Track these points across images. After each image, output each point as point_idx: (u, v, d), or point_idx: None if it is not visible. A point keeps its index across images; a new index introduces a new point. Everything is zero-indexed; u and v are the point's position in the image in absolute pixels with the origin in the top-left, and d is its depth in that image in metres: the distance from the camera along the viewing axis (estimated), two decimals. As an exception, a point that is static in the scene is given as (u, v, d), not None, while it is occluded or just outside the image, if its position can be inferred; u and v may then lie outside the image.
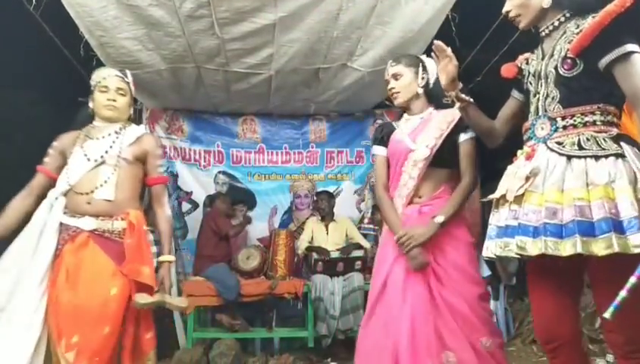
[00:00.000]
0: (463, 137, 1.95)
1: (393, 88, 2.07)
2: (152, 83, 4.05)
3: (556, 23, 1.47)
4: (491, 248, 1.49)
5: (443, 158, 1.94)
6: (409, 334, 1.75)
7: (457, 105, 1.76)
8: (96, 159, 2.02)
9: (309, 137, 5.18)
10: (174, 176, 4.88)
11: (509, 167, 1.54)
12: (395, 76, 2.06)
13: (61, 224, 1.95)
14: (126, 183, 2.05)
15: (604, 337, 1.39)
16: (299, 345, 4.19)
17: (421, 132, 2.00)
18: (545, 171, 1.38)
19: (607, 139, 1.35)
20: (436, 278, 1.85)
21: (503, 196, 1.47)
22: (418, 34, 3.45)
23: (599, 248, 1.24)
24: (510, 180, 1.46)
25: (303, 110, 4.96)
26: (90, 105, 2.14)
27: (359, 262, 4.13)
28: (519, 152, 1.54)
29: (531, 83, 1.54)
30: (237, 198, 4.82)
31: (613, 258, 1.22)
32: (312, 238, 4.46)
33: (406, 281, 1.86)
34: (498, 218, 1.49)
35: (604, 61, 1.34)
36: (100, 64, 3.61)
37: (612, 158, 1.31)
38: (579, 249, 1.25)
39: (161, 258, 2.11)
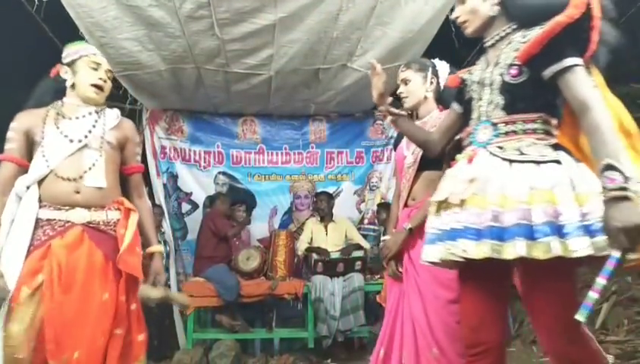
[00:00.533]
0: None
1: (401, 92, 2.14)
2: (152, 84, 4.05)
3: (502, 34, 1.50)
4: (433, 252, 1.48)
5: (433, 160, 1.96)
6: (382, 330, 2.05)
7: (389, 118, 1.83)
8: (80, 140, 1.77)
9: (309, 138, 5.18)
10: (174, 176, 4.89)
11: (449, 171, 1.55)
12: (404, 81, 2.12)
13: (39, 219, 1.68)
14: (110, 168, 1.83)
15: (539, 339, 1.40)
16: (299, 346, 4.19)
17: None
18: (487, 175, 1.39)
19: (546, 147, 1.38)
20: (407, 284, 1.94)
21: (446, 199, 1.47)
22: (418, 35, 3.46)
23: (540, 251, 1.24)
24: (452, 183, 1.47)
25: (303, 110, 4.96)
26: (66, 77, 1.86)
27: (359, 263, 4.13)
28: (459, 156, 1.55)
29: (474, 91, 1.56)
30: (237, 198, 4.82)
31: (552, 262, 1.23)
32: (312, 239, 4.47)
33: (391, 287, 2.07)
34: (440, 222, 1.48)
35: (548, 72, 1.37)
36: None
37: (552, 164, 1.33)
38: (521, 253, 1.25)
39: (151, 249, 1.92)
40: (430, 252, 1.49)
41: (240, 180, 5.08)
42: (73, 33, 3.24)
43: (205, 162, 5.02)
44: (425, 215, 1.87)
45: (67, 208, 1.72)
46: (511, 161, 1.37)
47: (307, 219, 4.87)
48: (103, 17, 3.11)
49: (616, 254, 1.17)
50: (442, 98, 2.10)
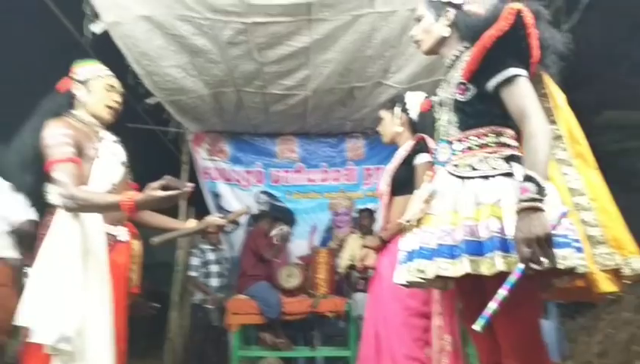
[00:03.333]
0: (417, 161, 2.17)
1: (378, 130, 2.44)
2: (194, 108, 4.23)
3: (457, 54, 1.52)
4: (400, 274, 1.49)
5: (403, 185, 2.10)
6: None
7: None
8: (123, 162, 1.90)
9: (346, 155, 5.21)
10: (217, 196, 5.03)
11: (416, 192, 1.58)
12: (379, 120, 2.42)
13: None
14: None
15: (503, 361, 1.35)
16: (342, 364, 4.16)
17: (388, 167, 2.31)
18: (443, 194, 1.40)
19: (497, 159, 1.36)
20: (377, 296, 2.11)
21: (409, 221, 1.50)
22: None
23: (485, 267, 1.23)
24: (415, 204, 1.50)
25: (340, 128, 5.01)
26: (79, 94, 1.87)
27: (400, 279, 4.08)
28: (425, 176, 1.59)
29: (437, 112, 1.59)
30: (277, 217, 4.88)
31: (503, 277, 1.19)
32: (353, 256, 4.44)
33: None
34: (406, 243, 1.50)
35: (491, 85, 1.38)
36: (147, 92, 3.83)
37: (500, 177, 1.32)
38: (467, 269, 1.24)
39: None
40: (398, 274, 1.52)
41: (280, 199, 5.16)
42: (121, 63, 3.45)
43: (245, 181, 5.14)
44: (395, 230, 2.08)
45: (115, 223, 1.84)
46: (463, 177, 1.37)
47: (347, 236, 4.86)
48: (149, 46, 3.29)
49: (521, 265, 1.15)
50: (420, 125, 2.27)
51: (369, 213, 4.61)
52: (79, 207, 1.63)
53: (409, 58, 3.59)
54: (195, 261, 4.32)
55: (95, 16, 3.02)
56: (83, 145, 1.78)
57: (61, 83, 1.92)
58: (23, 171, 1.78)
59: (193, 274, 4.29)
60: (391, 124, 2.33)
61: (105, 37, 3.16)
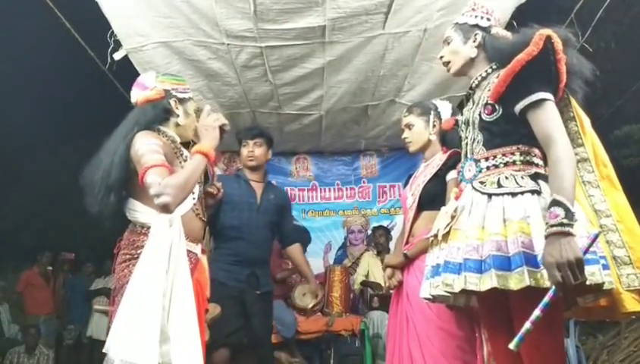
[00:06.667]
0: (449, 176, 2.05)
1: (406, 137, 2.25)
2: (210, 129, 4.30)
3: (484, 75, 1.56)
4: (425, 288, 1.52)
5: (433, 200, 2.01)
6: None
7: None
8: (199, 183, 1.84)
9: (360, 173, 5.24)
10: (232, 216, 5.06)
11: (443, 208, 1.61)
12: (408, 126, 2.23)
13: None
14: None
15: None
16: (359, 384, 4.11)
17: (417, 179, 2.18)
18: (470, 210, 1.42)
19: (524, 177, 1.39)
20: (406, 317, 2.03)
21: (436, 236, 1.52)
22: (465, 67, 3.48)
23: (514, 282, 1.24)
24: (441, 220, 1.53)
25: (354, 146, 5.07)
26: (179, 113, 1.83)
27: (416, 297, 4.05)
28: (452, 193, 1.62)
29: (463, 130, 1.62)
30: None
31: (529, 292, 1.21)
32: (368, 273, 4.44)
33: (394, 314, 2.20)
34: (432, 258, 1.53)
35: (518, 107, 1.41)
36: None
37: (528, 195, 1.34)
38: (495, 284, 1.25)
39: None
40: (423, 288, 1.55)
41: (295, 217, 5.18)
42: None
43: (260, 200, 5.18)
44: (422, 247, 1.99)
45: (196, 242, 1.79)
46: (490, 194, 1.40)
47: (362, 253, 4.85)
48: (168, 71, 3.38)
49: (554, 287, 1.17)
50: (446, 140, 2.17)
51: (384, 231, 4.61)
52: (174, 196, 1.51)
53: (421, 76, 3.64)
54: None
55: (117, 43, 3.12)
56: (173, 161, 1.72)
57: (152, 95, 1.80)
58: (108, 188, 1.63)
59: None
60: (425, 132, 2.18)
61: (127, 63, 3.26)
